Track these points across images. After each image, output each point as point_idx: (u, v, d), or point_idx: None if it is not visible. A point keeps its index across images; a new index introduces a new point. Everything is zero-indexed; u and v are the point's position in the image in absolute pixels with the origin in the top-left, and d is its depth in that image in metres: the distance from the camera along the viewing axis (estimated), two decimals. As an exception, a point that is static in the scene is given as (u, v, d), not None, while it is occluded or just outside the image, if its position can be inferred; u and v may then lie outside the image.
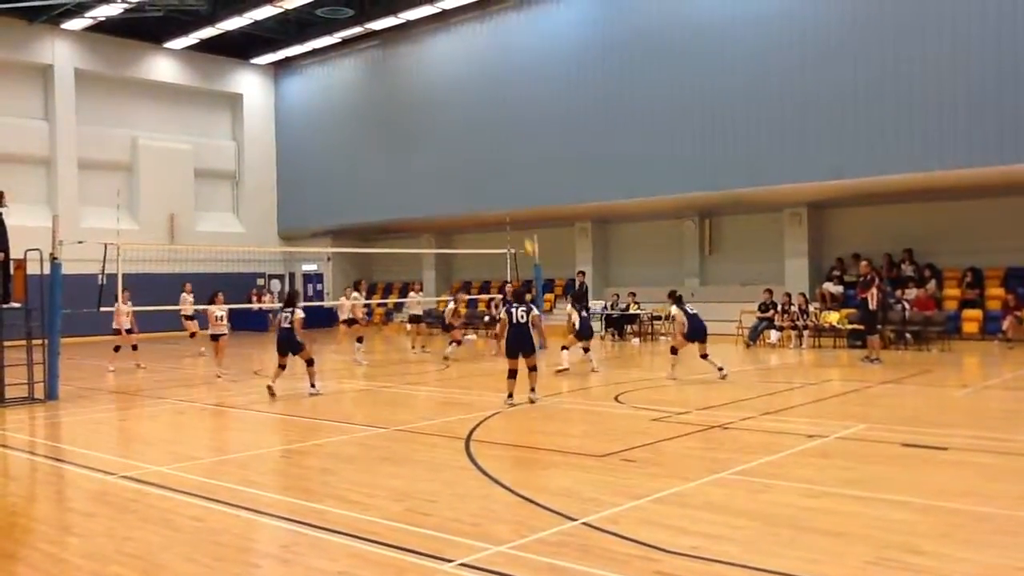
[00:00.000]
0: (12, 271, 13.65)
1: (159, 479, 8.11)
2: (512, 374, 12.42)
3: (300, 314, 14.16)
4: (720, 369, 14.85)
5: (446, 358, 18.91)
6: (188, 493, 7.53)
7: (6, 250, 13.54)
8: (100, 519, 6.94)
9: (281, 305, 14.91)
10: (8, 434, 11.29)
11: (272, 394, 13.80)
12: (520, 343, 12.51)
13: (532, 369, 12.64)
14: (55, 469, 9.20)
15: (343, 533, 6.15)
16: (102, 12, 28.88)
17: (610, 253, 29.90)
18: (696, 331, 15.23)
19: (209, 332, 18.10)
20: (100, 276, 15.37)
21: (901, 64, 19.89)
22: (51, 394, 14.03)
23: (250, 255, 34.32)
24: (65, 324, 14.73)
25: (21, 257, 13.78)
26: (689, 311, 15.39)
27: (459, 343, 19.95)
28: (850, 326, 20.75)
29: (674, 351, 15.67)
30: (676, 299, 15.77)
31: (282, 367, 14.19)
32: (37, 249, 13.86)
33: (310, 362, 14.21)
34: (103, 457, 9.35)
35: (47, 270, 14.12)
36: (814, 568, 5.27)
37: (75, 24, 30.12)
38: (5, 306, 13.65)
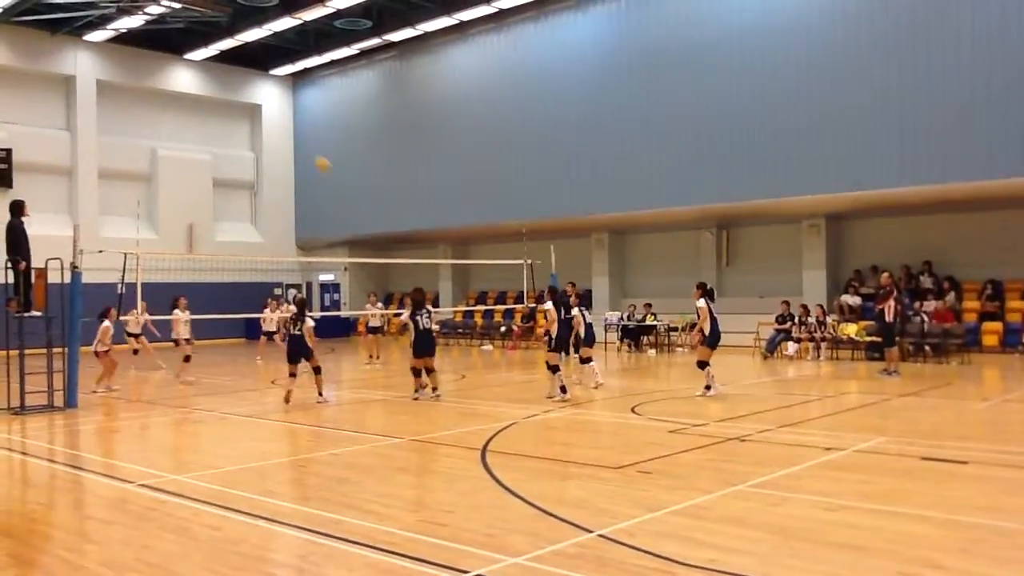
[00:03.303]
0: (33, 280, 13.77)
1: (177, 487, 8.14)
2: None
3: (310, 323, 14.48)
4: (707, 388, 14.05)
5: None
6: (206, 502, 7.55)
7: (27, 259, 13.66)
8: (118, 527, 6.97)
9: (292, 313, 14.94)
10: (28, 442, 11.38)
11: (287, 401, 13.94)
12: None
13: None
14: (74, 476, 9.25)
15: (360, 543, 6.16)
16: (124, 24, 29.19)
17: (627, 264, 29.88)
18: (715, 336, 14.20)
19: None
20: (120, 285, 15.47)
21: (920, 75, 19.82)
22: (70, 402, 14.12)
23: (268, 265, 34.51)
24: (85, 333, 14.83)
25: (42, 266, 13.91)
26: (714, 311, 14.24)
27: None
28: (868, 338, 20.62)
29: (702, 365, 14.17)
30: (706, 291, 14.34)
31: (293, 375, 14.33)
32: (58, 258, 13.99)
33: (317, 370, 14.52)
34: (121, 465, 9.41)
35: (67, 279, 14.24)
36: (832, 582, 5.24)
37: (97, 36, 30.44)
38: (26, 314, 13.78)
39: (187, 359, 18.26)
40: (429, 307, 14.95)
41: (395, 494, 7.78)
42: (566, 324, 14.48)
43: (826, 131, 21.23)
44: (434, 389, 14.40)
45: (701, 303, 14.17)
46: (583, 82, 26.04)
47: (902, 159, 20.07)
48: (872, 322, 20.21)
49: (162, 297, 19.56)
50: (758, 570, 5.43)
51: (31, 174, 29.21)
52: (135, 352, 21.08)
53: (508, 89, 28.23)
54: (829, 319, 22.01)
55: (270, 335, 23.62)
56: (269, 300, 23.92)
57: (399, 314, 17.11)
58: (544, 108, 26.98)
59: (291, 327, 14.58)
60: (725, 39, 23.02)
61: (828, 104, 21.17)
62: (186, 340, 18.68)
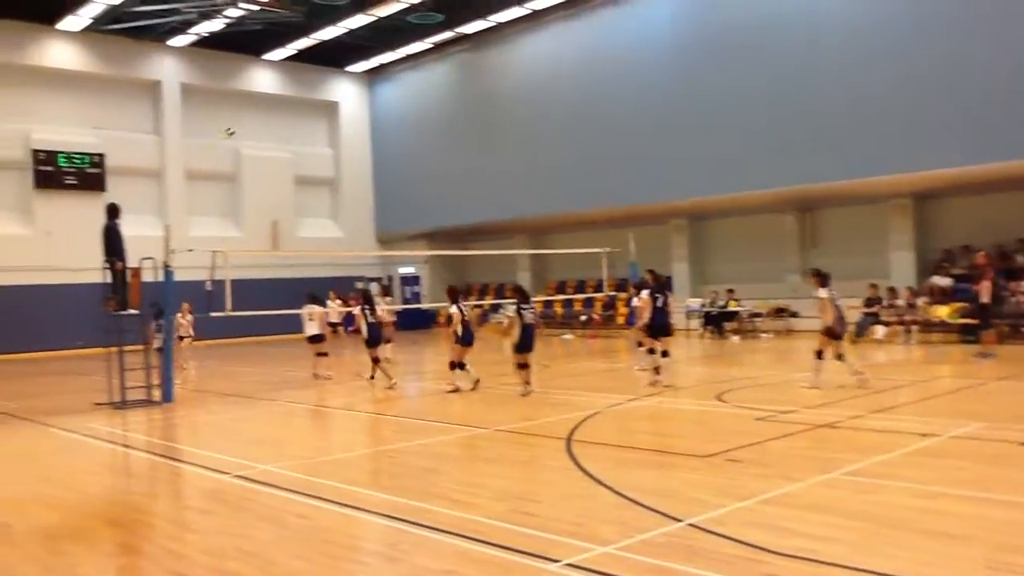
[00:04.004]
0: (129, 279, 14.28)
1: (269, 478, 8.36)
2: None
3: (380, 311, 16.50)
4: (859, 373, 13.01)
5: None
6: (297, 492, 7.74)
7: (123, 259, 14.18)
8: (216, 517, 7.21)
9: (362, 304, 16.36)
10: (129, 435, 11.85)
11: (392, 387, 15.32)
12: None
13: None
14: (173, 468, 9.60)
15: (448, 532, 6.24)
16: (205, 28, 29.99)
17: (707, 250, 29.48)
18: (838, 325, 13.11)
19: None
20: (209, 282, 15.92)
21: (1009, 45, 19.00)
22: (166, 396, 14.62)
23: (349, 259, 35.13)
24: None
25: (137, 266, 14.41)
26: (836, 298, 13.16)
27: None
28: (961, 320, 19.97)
29: (819, 355, 13.11)
30: (821, 278, 13.20)
31: (378, 360, 15.88)
32: (151, 258, 14.47)
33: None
34: (216, 457, 9.70)
35: (161, 278, 14.73)
36: (928, 571, 5.11)
37: (180, 41, 31.34)
38: (123, 313, 14.31)
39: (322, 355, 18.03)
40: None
41: (482, 483, 7.86)
42: (660, 311, 14.59)
43: (910, 107, 20.52)
44: (527, 384, 13.91)
45: (822, 293, 13.06)
46: (658, 66, 25.73)
47: (991, 134, 19.27)
48: (965, 303, 19.57)
49: (248, 293, 20.01)
50: (850, 559, 5.33)
51: (122, 177, 30.27)
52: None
53: (582, 76, 28.07)
54: (919, 301, 21.38)
55: (334, 327, 23.81)
56: (331, 292, 24.24)
57: (480, 306, 17.35)
58: (619, 94, 26.75)
59: (368, 315, 15.87)
60: (801, 19, 22.44)
61: (912, 79, 20.45)
62: (319, 336, 18.18)
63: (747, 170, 23.49)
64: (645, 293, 14.99)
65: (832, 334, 13.11)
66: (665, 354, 14.53)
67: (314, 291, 18.83)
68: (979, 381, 13.63)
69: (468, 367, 14.58)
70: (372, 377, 16.09)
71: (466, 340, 14.62)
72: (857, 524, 6.07)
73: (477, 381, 14.52)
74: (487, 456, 9.29)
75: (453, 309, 14.65)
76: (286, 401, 14.68)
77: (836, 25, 21.80)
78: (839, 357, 13.17)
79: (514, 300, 14.29)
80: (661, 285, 15.06)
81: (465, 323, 14.62)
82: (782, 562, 5.33)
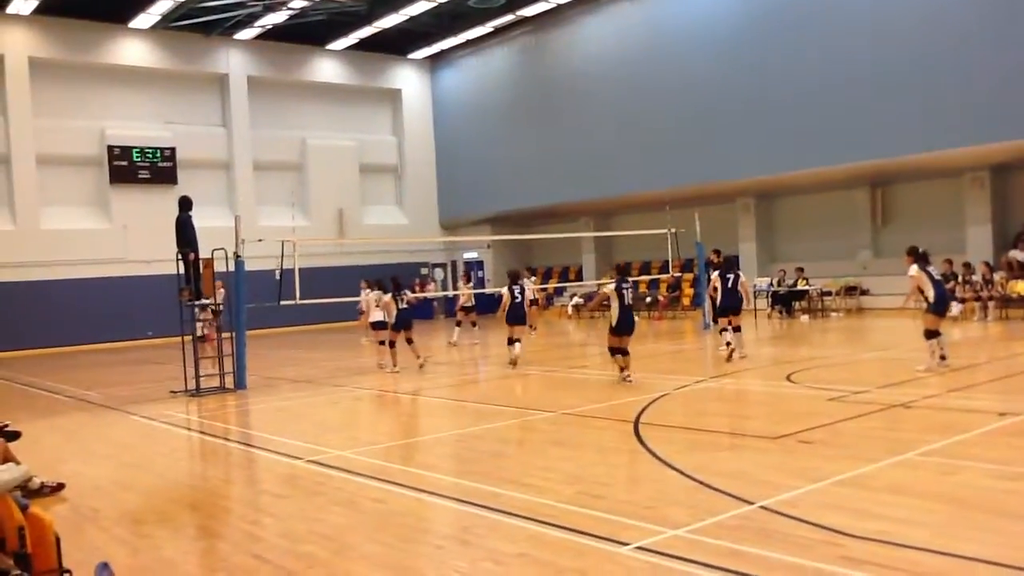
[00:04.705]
0: (202, 270, 14.63)
1: (342, 463, 8.50)
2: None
3: (409, 295, 17.41)
4: (943, 358, 12.46)
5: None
6: (370, 476, 7.86)
7: (196, 250, 14.52)
8: (291, 501, 7.35)
9: (394, 291, 16.62)
10: (205, 421, 12.16)
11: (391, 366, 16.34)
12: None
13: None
14: (247, 454, 9.83)
15: (519, 516, 6.27)
16: (269, 20, 30.40)
17: (775, 228, 28.99)
18: (941, 301, 12.59)
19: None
20: (278, 271, 16.19)
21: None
22: (239, 384, 14.96)
23: (413, 246, 35.43)
24: (249, 317, 15.59)
25: (209, 256, 14.74)
26: (934, 275, 12.69)
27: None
28: (1043, 296, 19.31)
29: (929, 335, 12.46)
30: (918, 256, 12.75)
31: (394, 344, 16.50)
32: (222, 248, 14.78)
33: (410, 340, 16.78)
34: (290, 442, 9.89)
35: (232, 267, 15.04)
36: (1017, 555, 4.96)
37: (246, 34, 31.82)
38: (197, 303, 14.67)
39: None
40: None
41: (551, 467, 7.87)
42: (731, 292, 15.30)
43: (988, 76, 19.80)
44: (624, 371, 12.95)
45: (914, 270, 12.59)
46: (721, 43, 25.26)
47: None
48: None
49: (316, 281, 20.30)
50: (933, 542, 5.20)
51: (193, 170, 30.93)
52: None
53: (644, 55, 27.71)
54: (996, 276, 20.74)
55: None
56: (363, 281, 24.15)
57: (544, 290, 17.47)
58: (681, 73, 26.36)
59: (400, 301, 16.41)
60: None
61: (985, 49, 19.74)
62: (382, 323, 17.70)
63: (815, 146, 22.96)
64: (715, 273, 15.76)
65: (935, 310, 12.53)
66: (736, 329, 15.06)
67: (379, 278, 19.00)
68: (1063, 358, 13.18)
69: (514, 345, 15.86)
70: (421, 364, 16.44)
71: (511, 319, 16.06)
72: (937, 506, 5.93)
73: (515, 361, 15.71)
74: (554, 440, 9.30)
75: (504, 290, 16.19)
76: (354, 387, 14.89)
77: (906, -5, 21.14)
78: (929, 335, 12.56)
79: (612, 279, 14.30)
80: (729, 264, 15.71)
81: (514, 305, 15.95)
82: (860, 545, 5.22)
